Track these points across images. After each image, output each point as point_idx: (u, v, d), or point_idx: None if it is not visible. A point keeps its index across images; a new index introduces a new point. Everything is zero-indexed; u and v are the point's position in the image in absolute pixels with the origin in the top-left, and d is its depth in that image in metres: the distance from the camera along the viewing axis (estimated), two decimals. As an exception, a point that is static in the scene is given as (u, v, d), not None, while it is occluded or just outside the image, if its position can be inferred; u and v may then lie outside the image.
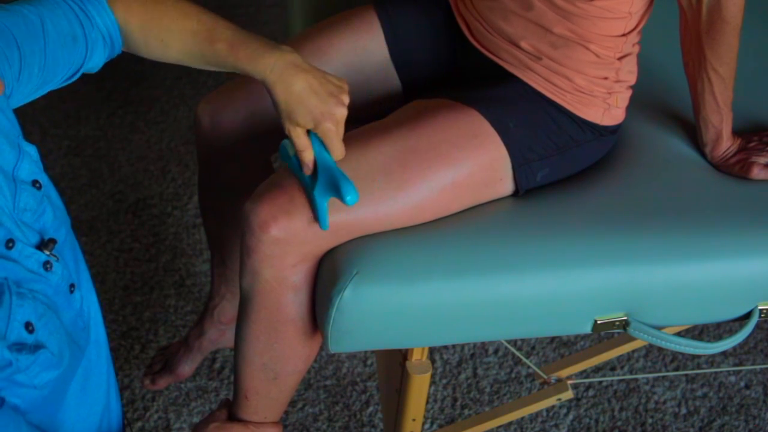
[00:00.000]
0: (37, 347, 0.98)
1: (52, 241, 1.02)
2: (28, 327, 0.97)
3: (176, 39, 1.12)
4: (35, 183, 1.01)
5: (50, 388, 1.04)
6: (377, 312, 1.20)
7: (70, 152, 2.33)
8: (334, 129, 1.12)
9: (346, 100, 1.12)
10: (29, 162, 1.01)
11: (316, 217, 1.17)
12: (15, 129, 1.01)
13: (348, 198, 1.11)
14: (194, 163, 2.30)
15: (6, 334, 0.94)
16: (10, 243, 0.96)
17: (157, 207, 2.20)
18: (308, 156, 1.14)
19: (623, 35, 1.27)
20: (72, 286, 1.06)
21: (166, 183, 2.25)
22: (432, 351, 1.83)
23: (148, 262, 2.08)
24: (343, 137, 1.21)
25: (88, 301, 1.11)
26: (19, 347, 0.96)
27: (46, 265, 1.01)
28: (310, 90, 1.10)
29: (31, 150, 1.03)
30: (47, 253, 1.01)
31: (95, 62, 1.12)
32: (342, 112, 1.11)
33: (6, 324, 0.95)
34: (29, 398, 1.02)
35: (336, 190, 1.12)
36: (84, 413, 1.12)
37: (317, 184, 1.14)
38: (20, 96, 1.04)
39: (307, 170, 1.15)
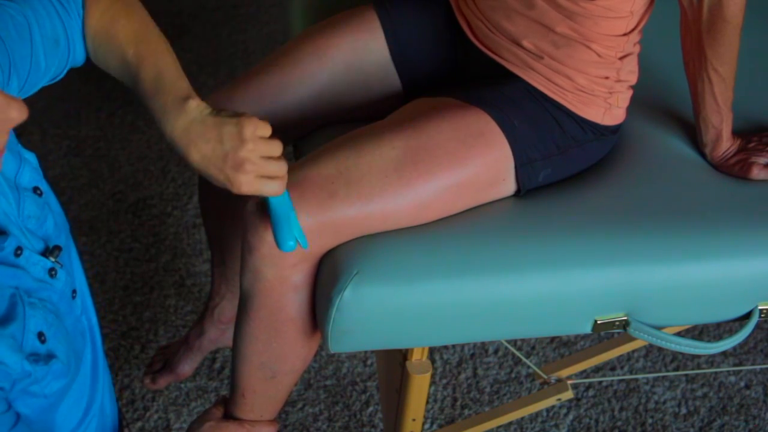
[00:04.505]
0: (49, 357, 0.98)
1: (57, 248, 1.01)
2: (41, 337, 0.97)
3: (114, 62, 1.08)
4: (36, 190, 1.01)
5: (56, 396, 1.04)
6: (377, 312, 1.20)
7: (70, 152, 2.33)
8: (249, 185, 1.04)
9: (247, 130, 1.02)
10: (30, 169, 1.01)
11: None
12: (12, 136, 1.00)
13: (281, 246, 1.14)
14: (194, 163, 2.30)
15: (23, 346, 0.94)
16: (18, 251, 0.96)
17: (157, 207, 2.20)
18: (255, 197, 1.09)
19: (625, 34, 1.27)
20: (74, 291, 1.07)
21: (166, 183, 2.25)
22: (432, 351, 1.83)
23: (148, 262, 2.08)
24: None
25: (86, 306, 1.12)
26: (35, 358, 0.96)
27: (51, 272, 1.01)
28: (205, 161, 1.03)
29: (31, 157, 1.03)
30: (52, 259, 1.00)
31: (78, 59, 1.08)
32: (243, 176, 1.03)
33: (22, 335, 0.94)
34: (36, 407, 1.02)
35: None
36: (79, 417, 1.12)
37: (274, 218, 1.14)
38: None
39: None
